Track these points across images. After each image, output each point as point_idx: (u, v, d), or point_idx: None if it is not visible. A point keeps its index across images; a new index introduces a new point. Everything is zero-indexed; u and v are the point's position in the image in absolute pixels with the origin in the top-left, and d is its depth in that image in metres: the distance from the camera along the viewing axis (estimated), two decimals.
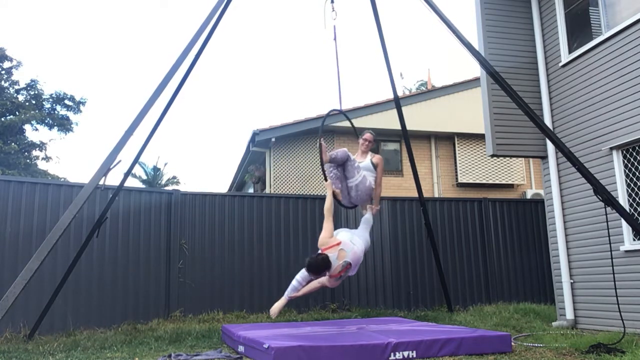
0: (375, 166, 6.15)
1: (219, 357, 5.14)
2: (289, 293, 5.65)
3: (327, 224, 5.45)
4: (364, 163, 6.12)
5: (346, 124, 12.53)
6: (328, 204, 5.63)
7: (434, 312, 8.84)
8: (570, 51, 7.71)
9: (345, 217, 9.40)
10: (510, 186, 13.89)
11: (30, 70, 44.51)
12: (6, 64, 21.67)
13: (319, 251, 5.25)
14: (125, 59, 53.38)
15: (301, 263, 9.02)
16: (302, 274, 5.59)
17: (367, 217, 6.26)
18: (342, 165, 5.91)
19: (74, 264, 6.76)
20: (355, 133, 6.70)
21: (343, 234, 5.54)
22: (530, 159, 13.78)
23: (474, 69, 30.46)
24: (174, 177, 27.87)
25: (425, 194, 9.84)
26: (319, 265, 5.11)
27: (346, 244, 5.31)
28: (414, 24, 56.91)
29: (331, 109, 6.38)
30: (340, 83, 6.41)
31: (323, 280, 5.52)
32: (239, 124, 51.33)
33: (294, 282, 5.62)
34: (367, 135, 6.30)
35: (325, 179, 5.80)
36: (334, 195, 5.81)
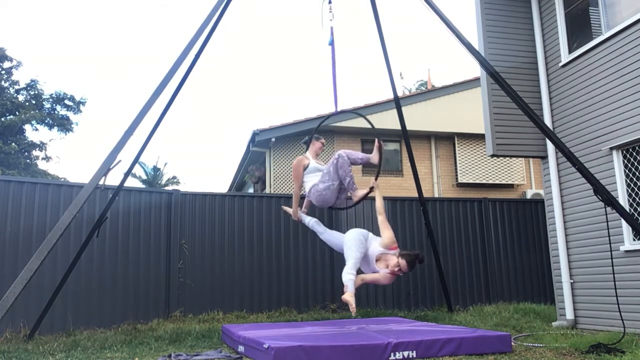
0: None
1: (219, 357, 5.14)
2: (353, 287, 5.46)
3: (387, 223, 5.86)
4: (316, 164, 6.23)
5: (346, 124, 12.58)
6: (381, 202, 5.91)
7: (434, 312, 8.84)
8: (570, 51, 7.71)
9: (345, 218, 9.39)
10: (510, 186, 13.89)
11: (30, 70, 44.53)
12: (6, 64, 21.66)
13: (385, 251, 5.64)
14: (125, 59, 53.42)
15: (301, 263, 9.06)
16: (354, 266, 5.51)
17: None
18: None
19: (74, 264, 6.76)
20: (372, 127, 6.66)
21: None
22: (530, 159, 13.78)
23: (474, 69, 30.47)
24: (174, 177, 27.87)
25: (425, 194, 9.84)
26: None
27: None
28: (414, 24, 56.94)
29: (333, 112, 6.45)
30: (337, 84, 6.43)
31: (368, 277, 5.64)
32: (239, 124, 51.38)
33: (350, 276, 5.45)
34: (323, 140, 6.60)
35: (376, 178, 6.01)
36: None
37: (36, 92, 22.15)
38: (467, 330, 5.72)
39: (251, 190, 15.67)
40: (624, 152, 6.78)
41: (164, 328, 7.31)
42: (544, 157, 8.03)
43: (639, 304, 6.38)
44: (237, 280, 8.75)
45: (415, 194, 8.72)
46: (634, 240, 6.54)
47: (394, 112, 8.64)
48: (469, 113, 13.16)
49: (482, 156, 13.66)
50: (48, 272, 7.10)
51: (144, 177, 26.73)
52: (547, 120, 7.91)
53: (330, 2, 6.55)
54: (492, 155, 7.96)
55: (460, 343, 4.99)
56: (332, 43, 6.53)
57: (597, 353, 4.96)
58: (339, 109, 6.64)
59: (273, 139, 12.47)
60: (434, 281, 9.48)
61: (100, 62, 48.94)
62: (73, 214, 5.32)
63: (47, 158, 22.18)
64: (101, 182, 5.60)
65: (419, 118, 13.09)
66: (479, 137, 13.38)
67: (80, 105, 22.93)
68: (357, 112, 7.14)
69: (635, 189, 6.62)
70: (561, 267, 7.60)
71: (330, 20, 6.53)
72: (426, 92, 14.33)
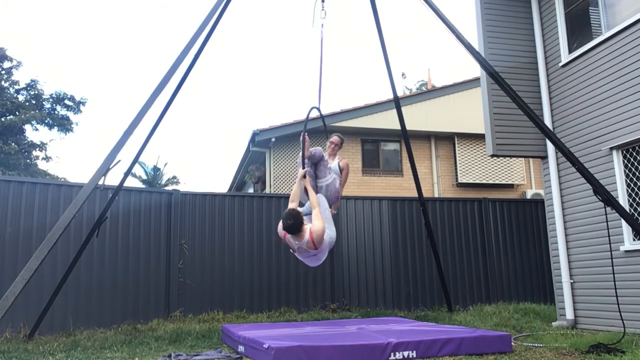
0: (341, 170, 6.21)
1: (219, 357, 5.15)
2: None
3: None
4: (331, 165, 6.13)
5: (346, 124, 12.59)
6: (296, 191, 5.39)
7: (434, 312, 8.84)
8: (570, 51, 7.71)
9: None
10: (510, 186, 13.89)
11: (30, 70, 44.49)
12: (6, 64, 21.62)
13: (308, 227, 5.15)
14: (126, 59, 53.43)
15: (301, 263, 9.02)
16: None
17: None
18: (316, 164, 5.92)
19: (74, 264, 6.76)
20: (325, 133, 6.86)
21: None
22: (530, 159, 13.78)
23: (474, 69, 30.46)
24: (174, 177, 27.86)
25: (425, 194, 9.84)
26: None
27: None
28: (414, 24, 56.94)
29: (312, 107, 6.23)
30: (322, 82, 6.35)
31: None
32: (239, 124, 51.35)
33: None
34: (334, 139, 6.35)
35: (303, 167, 5.62)
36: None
37: (36, 92, 22.12)
38: (467, 330, 5.72)
39: (251, 190, 15.67)
40: (624, 152, 6.78)
41: (164, 328, 7.31)
42: (544, 157, 8.03)
43: (639, 304, 6.38)
44: (237, 280, 8.75)
45: (415, 194, 8.71)
46: (634, 240, 6.54)
47: (394, 112, 8.64)
48: (469, 113, 13.16)
49: (482, 156, 13.66)
50: (48, 272, 7.11)
51: (144, 177, 26.74)
52: (547, 120, 7.91)
53: (323, 1, 6.58)
54: (492, 155, 7.96)
55: (460, 343, 5.00)
56: (321, 40, 6.55)
57: (597, 353, 4.96)
58: (315, 107, 6.37)
59: (273, 139, 12.48)
60: (434, 281, 9.48)
61: (100, 62, 48.98)
62: (73, 214, 5.32)
63: (47, 158, 22.15)
64: (101, 182, 5.60)
65: (419, 118, 13.09)
66: (479, 137, 13.38)
67: (80, 105, 22.90)
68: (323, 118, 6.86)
69: (635, 189, 6.62)
70: (561, 267, 7.60)
71: (322, 18, 6.56)
72: (426, 92, 14.33)
